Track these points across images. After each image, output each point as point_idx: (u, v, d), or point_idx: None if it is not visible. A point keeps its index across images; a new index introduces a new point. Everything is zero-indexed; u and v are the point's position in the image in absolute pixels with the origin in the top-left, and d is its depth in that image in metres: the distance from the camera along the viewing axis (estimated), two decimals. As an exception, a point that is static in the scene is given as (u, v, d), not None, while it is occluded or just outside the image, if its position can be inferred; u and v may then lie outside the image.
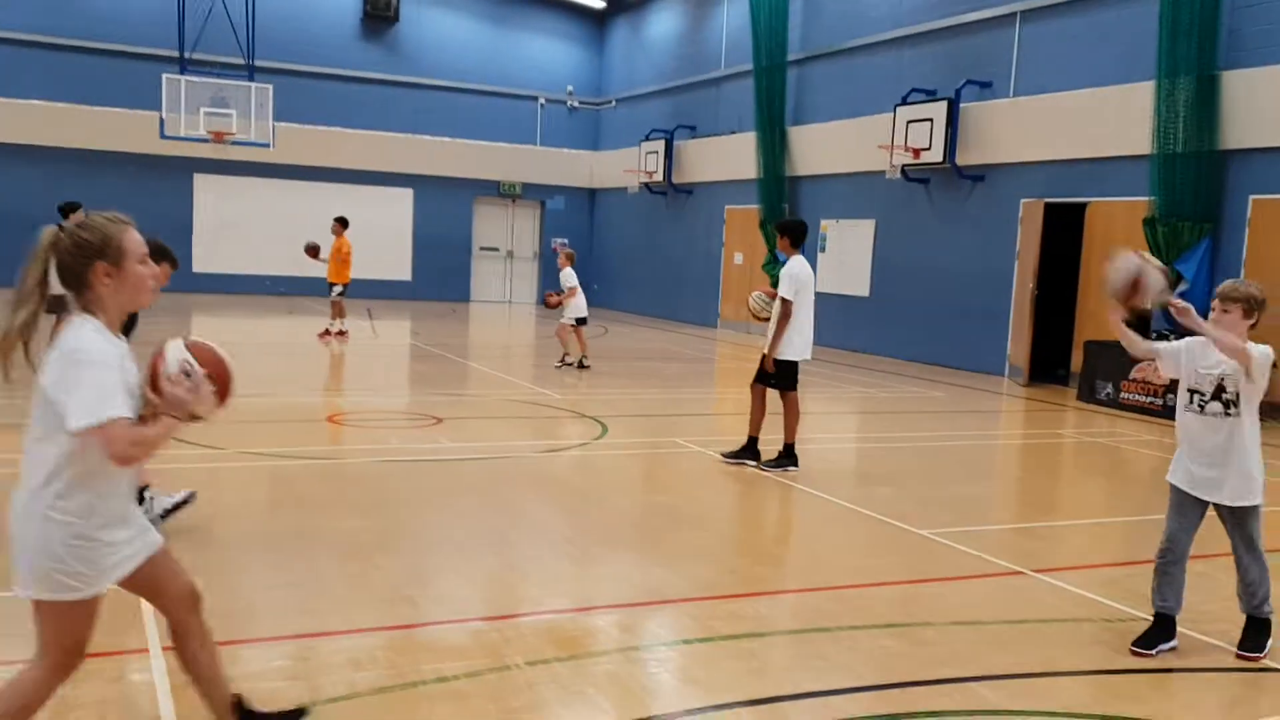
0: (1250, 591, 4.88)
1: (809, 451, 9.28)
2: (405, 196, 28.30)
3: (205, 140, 22.10)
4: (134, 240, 3.09)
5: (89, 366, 2.89)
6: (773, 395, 8.84)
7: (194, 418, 3.01)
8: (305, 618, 4.92)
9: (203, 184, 26.25)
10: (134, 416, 2.95)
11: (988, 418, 12.94)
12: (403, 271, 28.30)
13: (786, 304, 8.54)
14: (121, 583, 3.22)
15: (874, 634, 5.04)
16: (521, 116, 29.43)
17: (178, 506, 6.05)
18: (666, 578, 5.77)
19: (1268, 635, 4.88)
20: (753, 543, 7.13)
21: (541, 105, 29.65)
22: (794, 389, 8.75)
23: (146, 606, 4.85)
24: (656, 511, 7.51)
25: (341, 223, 17.46)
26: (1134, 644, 4.87)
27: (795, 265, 8.65)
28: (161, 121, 21.91)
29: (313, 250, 17.25)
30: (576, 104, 30.02)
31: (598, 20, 29.88)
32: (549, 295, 15.48)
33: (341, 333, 17.21)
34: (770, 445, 8.82)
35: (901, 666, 4.63)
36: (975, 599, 5.66)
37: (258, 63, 22.91)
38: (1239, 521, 4.86)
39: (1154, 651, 4.83)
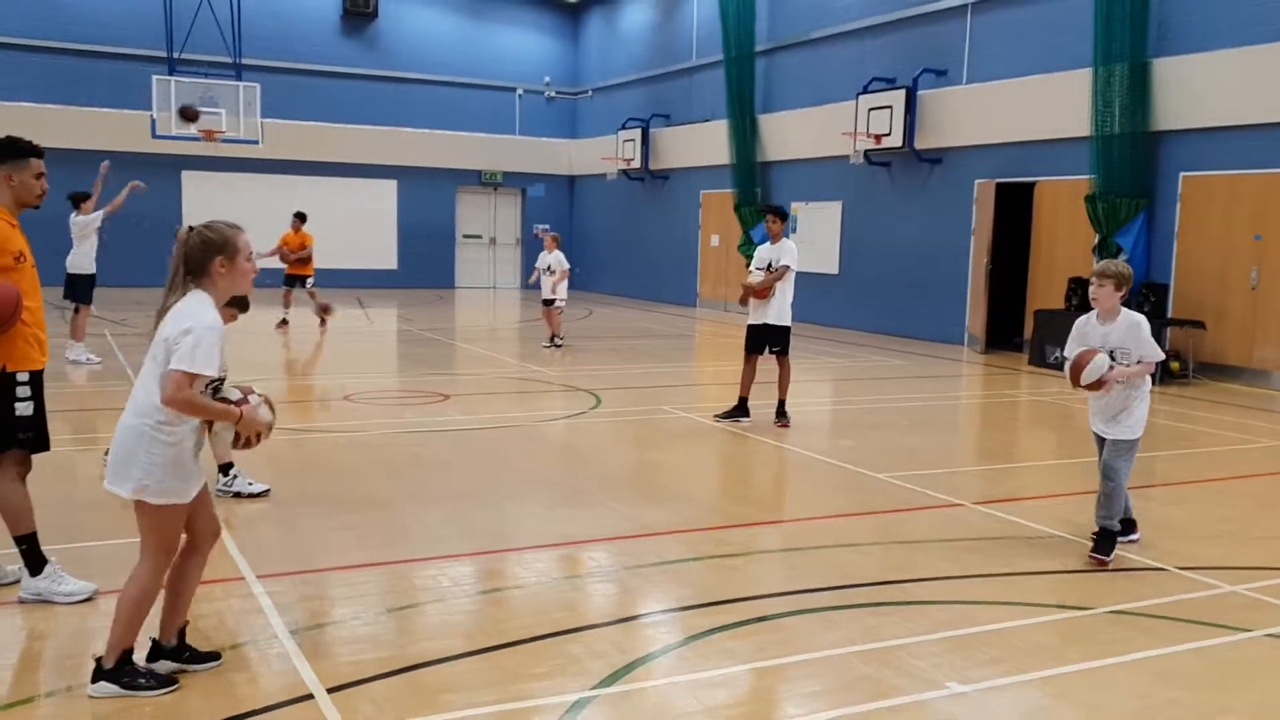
0: (1107, 503, 6.01)
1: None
2: (389, 187, 29.18)
3: (196, 139, 22.91)
4: (245, 241, 4.12)
5: (203, 332, 3.88)
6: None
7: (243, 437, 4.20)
8: (361, 552, 5.97)
9: (191, 181, 27.01)
10: (216, 377, 4.01)
11: (947, 382, 14.09)
12: (388, 260, 29.20)
13: (788, 271, 9.92)
14: None
15: (835, 551, 6.14)
16: (500, 107, 30.35)
17: (252, 495, 7.03)
18: (661, 515, 6.85)
19: (1113, 545, 6.02)
20: (734, 488, 8.22)
21: (520, 96, 30.57)
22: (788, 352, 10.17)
23: (234, 545, 5.92)
24: (650, 466, 8.59)
25: (301, 218, 18.26)
26: (1091, 552, 5.99)
27: (793, 243, 10.17)
28: (153, 121, 22.66)
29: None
30: (554, 94, 30.95)
31: (572, 12, 30.80)
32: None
33: (284, 322, 17.72)
34: (760, 409, 9.99)
35: (855, 572, 5.73)
36: (919, 525, 6.77)
37: (243, 61, 23.72)
38: (1117, 448, 6.03)
39: (1109, 559, 5.94)
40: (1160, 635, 4.92)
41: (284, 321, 17.79)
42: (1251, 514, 7.34)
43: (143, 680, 4.07)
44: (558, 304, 15.99)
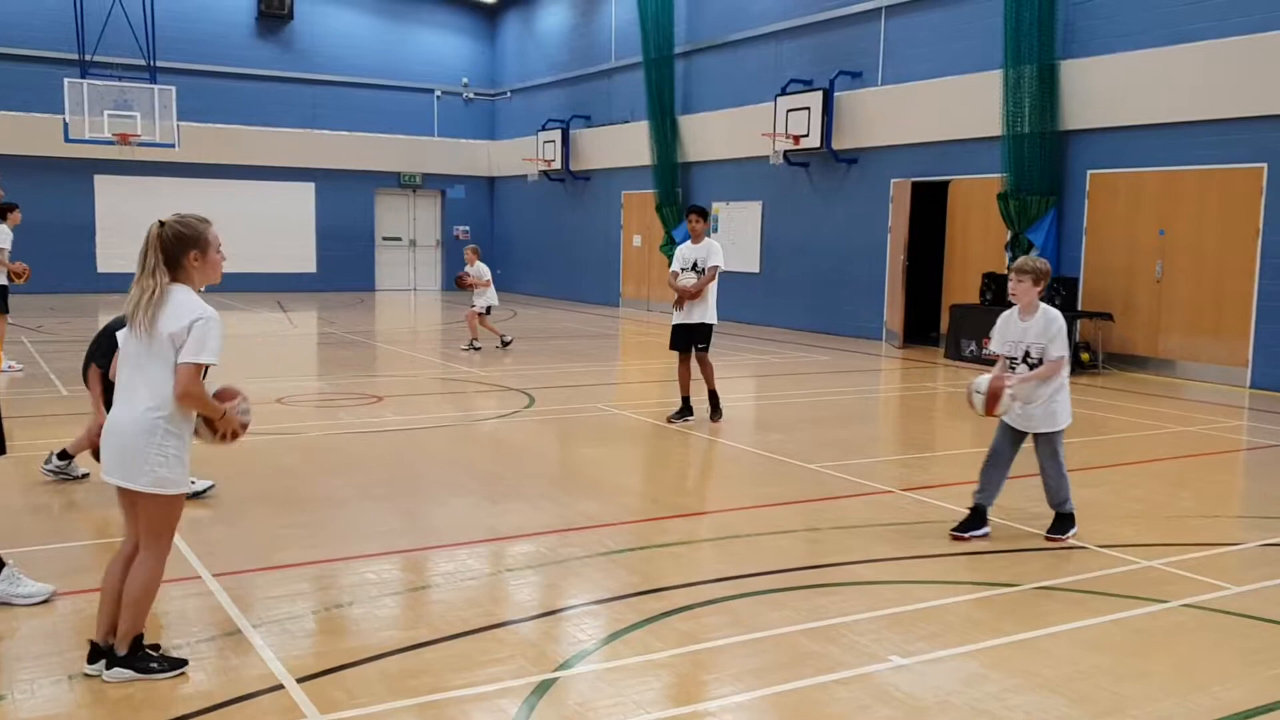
0: (1053, 493, 6.39)
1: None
2: (307, 190, 28.87)
3: (111, 143, 22.48)
4: (215, 235, 4.27)
5: (209, 323, 4.07)
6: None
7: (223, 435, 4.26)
8: (315, 549, 6.04)
9: (103, 184, 26.44)
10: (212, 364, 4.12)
11: (868, 376, 14.49)
12: (307, 264, 28.88)
13: (717, 271, 10.09)
14: (120, 493, 4.21)
15: (775, 538, 6.38)
16: (418, 108, 30.21)
17: (196, 495, 7.00)
18: (604, 508, 7.03)
19: (1070, 524, 6.40)
20: (672, 480, 8.43)
21: (438, 97, 30.47)
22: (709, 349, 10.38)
23: (186, 546, 5.96)
24: (589, 462, 8.77)
25: None
26: (953, 530, 6.37)
27: (717, 242, 10.33)
28: (65, 125, 22.20)
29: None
30: (472, 95, 30.91)
31: (489, 14, 30.78)
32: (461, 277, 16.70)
33: None
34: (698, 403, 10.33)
35: (796, 557, 5.98)
36: (854, 511, 7.05)
37: (158, 63, 23.33)
38: (1045, 442, 6.35)
39: (968, 535, 6.31)
40: (1085, 608, 5.24)
41: None
42: (1162, 495, 7.77)
43: (155, 664, 4.22)
44: (476, 306, 16.21)
